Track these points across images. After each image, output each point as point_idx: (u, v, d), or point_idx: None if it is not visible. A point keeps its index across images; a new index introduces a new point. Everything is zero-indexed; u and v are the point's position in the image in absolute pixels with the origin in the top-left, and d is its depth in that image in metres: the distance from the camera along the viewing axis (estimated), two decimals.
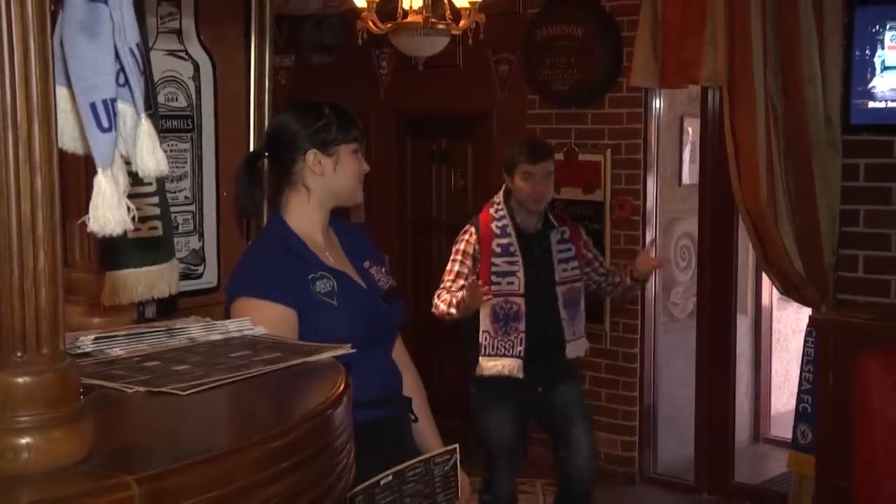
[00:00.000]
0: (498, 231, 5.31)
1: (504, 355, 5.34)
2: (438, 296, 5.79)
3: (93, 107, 1.75)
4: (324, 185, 3.37)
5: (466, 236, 5.70)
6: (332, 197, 3.42)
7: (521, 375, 5.44)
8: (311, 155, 3.36)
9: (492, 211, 5.64)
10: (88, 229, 1.81)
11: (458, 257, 5.61)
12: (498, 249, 5.19)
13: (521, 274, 5.32)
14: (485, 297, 5.28)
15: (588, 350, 6.06)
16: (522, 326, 5.32)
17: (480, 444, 5.83)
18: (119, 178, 1.81)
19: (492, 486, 5.76)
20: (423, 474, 3.45)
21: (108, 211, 1.80)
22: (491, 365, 5.41)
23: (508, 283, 5.24)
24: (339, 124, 3.40)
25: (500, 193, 5.75)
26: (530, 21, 8.05)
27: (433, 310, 5.80)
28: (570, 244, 5.65)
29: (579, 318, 5.76)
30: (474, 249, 5.54)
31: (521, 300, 5.33)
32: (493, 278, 5.13)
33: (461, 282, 5.48)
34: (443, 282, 5.82)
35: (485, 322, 5.42)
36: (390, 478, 3.28)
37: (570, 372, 5.98)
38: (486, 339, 5.47)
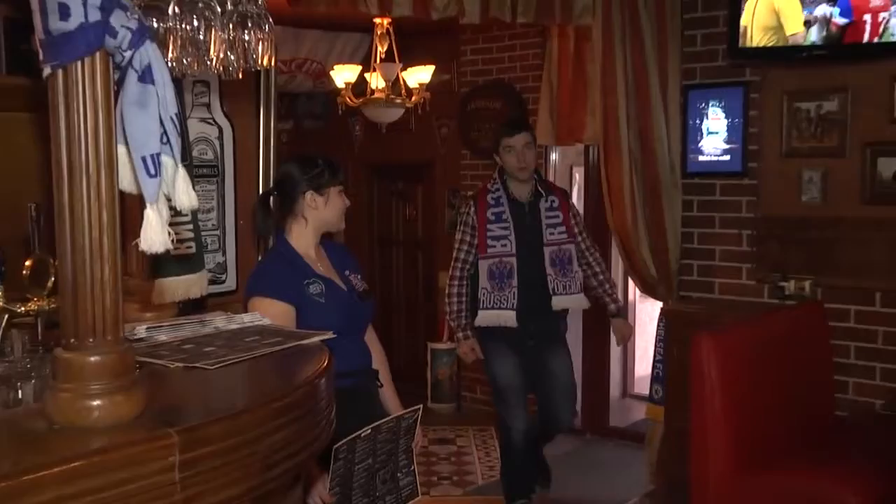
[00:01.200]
0: (492, 202, 4.97)
1: (500, 308, 4.98)
2: (451, 276, 5.34)
3: (143, 159, 1.76)
4: (318, 216, 3.42)
5: (466, 210, 5.34)
6: (323, 224, 3.49)
7: (514, 324, 5.06)
8: (309, 195, 3.42)
9: (489, 186, 5.28)
10: (140, 249, 1.81)
11: (461, 227, 5.26)
12: (492, 217, 4.87)
13: (512, 237, 4.98)
14: (469, 359, 5.44)
15: (584, 307, 5.52)
16: (515, 282, 4.97)
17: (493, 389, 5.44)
18: (163, 211, 1.81)
19: (508, 422, 5.27)
20: (394, 427, 3.42)
21: (155, 235, 1.80)
22: (488, 316, 5.04)
23: (502, 246, 4.93)
24: (330, 171, 3.46)
25: (496, 171, 5.35)
26: (463, 97, 8.05)
27: (447, 288, 5.37)
28: (558, 212, 5.15)
29: (570, 276, 5.21)
30: (472, 220, 5.17)
31: (513, 259, 4.99)
32: (489, 241, 4.85)
33: (465, 247, 5.22)
34: (454, 251, 5.37)
35: (483, 280, 5.08)
36: (369, 431, 3.26)
37: (559, 337, 5.44)
38: (483, 294, 5.07)
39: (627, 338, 5.86)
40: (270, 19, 2.48)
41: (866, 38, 5.20)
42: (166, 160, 1.79)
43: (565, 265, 5.09)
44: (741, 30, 5.42)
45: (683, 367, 4.58)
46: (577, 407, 5.53)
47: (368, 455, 3.25)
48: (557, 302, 5.23)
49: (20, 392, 1.94)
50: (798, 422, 4.96)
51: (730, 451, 4.54)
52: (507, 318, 5.05)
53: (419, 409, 3.47)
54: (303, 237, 3.45)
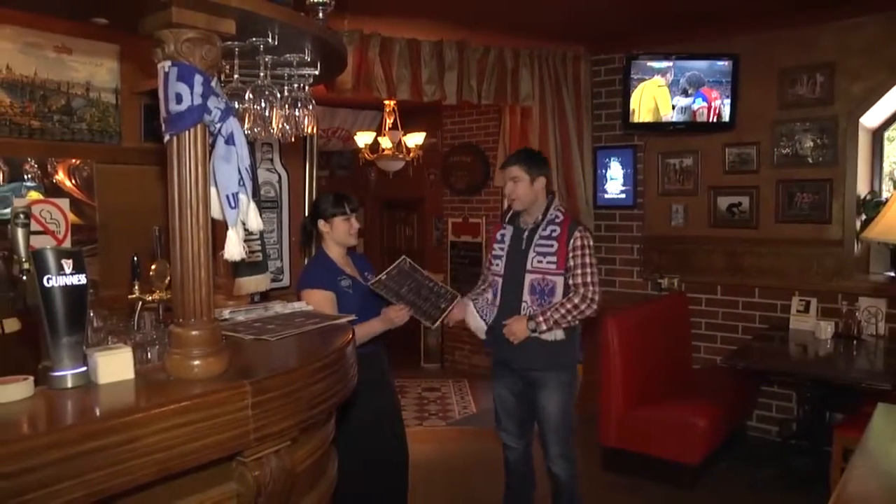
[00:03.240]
0: (505, 225, 3.70)
1: (482, 318, 3.62)
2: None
3: (227, 196, 1.76)
4: (330, 236, 3.34)
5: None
6: (337, 242, 3.37)
7: (482, 336, 3.65)
8: (321, 222, 3.36)
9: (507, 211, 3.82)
10: (224, 257, 1.80)
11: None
12: (499, 238, 3.69)
13: (503, 259, 3.65)
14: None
15: (569, 345, 3.56)
16: (497, 301, 3.60)
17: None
18: (240, 232, 1.80)
19: (505, 441, 3.74)
20: (433, 286, 3.46)
21: (234, 248, 1.80)
22: (470, 317, 3.65)
23: (497, 266, 3.67)
24: (333, 205, 3.34)
25: None
26: (445, 154, 8.01)
27: None
28: (553, 241, 3.53)
29: (546, 306, 3.49)
30: (490, 239, 3.82)
31: (499, 280, 3.65)
32: (492, 260, 3.66)
33: (486, 264, 3.83)
34: None
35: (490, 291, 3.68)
36: (407, 265, 3.44)
37: (547, 368, 3.54)
38: (484, 302, 3.68)
39: (511, 335, 3.50)
40: (314, 101, 2.47)
41: (710, 119, 5.34)
42: (242, 197, 1.78)
43: (545, 296, 3.49)
44: (631, 111, 5.46)
45: (595, 338, 4.58)
46: (570, 452, 3.61)
47: (401, 284, 3.34)
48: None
49: (149, 354, 1.92)
50: (668, 373, 5.00)
51: (625, 394, 4.58)
52: (478, 328, 3.64)
53: (458, 295, 3.55)
54: (331, 249, 3.37)
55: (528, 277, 3.48)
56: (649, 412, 4.57)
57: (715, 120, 5.30)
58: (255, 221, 1.83)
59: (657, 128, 5.51)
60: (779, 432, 5.25)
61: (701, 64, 5.28)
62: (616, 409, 4.59)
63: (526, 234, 3.54)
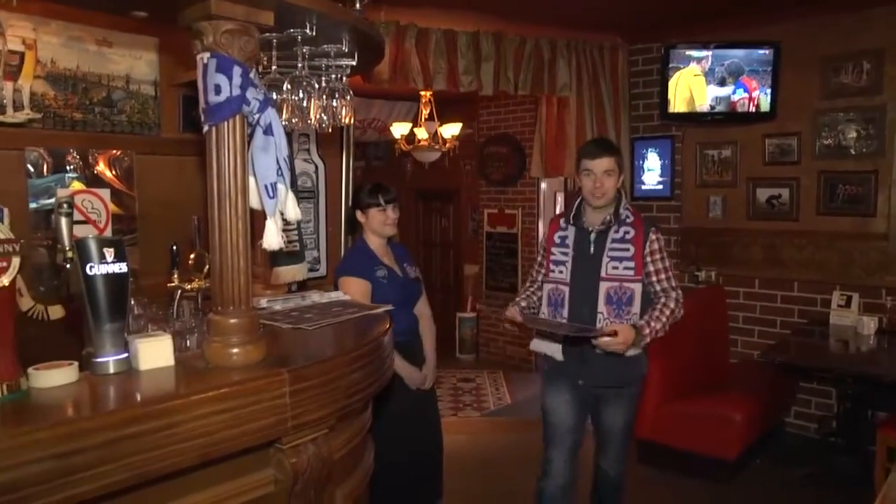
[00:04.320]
0: (563, 224, 3.26)
1: (549, 337, 3.23)
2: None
3: (265, 186, 1.77)
4: (367, 226, 3.36)
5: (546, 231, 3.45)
6: (373, 232, 3.37)
7: (560, 357, 3.19)
8: (358, 212, 3.38)
9: (567, 210, 3.37)
10: (263, 247, 1.82)
11: (539, 249, 3.45)
12: (558, 240, 3.24)
13: (568, 265, 3.19)
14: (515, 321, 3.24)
15: (640, 357, 3.20)
16: (565, 313, 3.15)
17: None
18: (278, 222, 1.82)
19: (543, 463, 3.33)
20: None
21: (272, 237, 1.82)
22: (539, 343, 3.28)
23: (559, 272, 3.21)
24: (369, 196, 3.37)
25: (578, 194, 3.37)
26: (480, 144, 8.01)
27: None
28: (628, 245, 3.13)
29: (626, 318, 3.08)
30: (544, 240, 3.36)
31: (566, 289, 3.17)
32: (551, 266, 3.23)
33: (535, 266, 3.43)
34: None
35: (543, 304, 3.27)
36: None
37: (620, 383, 3.22)
38: (532, 308, 3.33)
39: (609, 346, 3.00)
40: (351, 92, 2.49)
41: (748, 109, 5.26)
42: (280, 187, 1.80)
43: (622, 306, 3.07)
44: (668, 101, 5.41)
45: None
46: (623, 467, 3.37)
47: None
48: (600, 344, 3.05)
49: (188, 342, 1.95)
50: (705, 367, 4.95)
51: (660, 387, 4.55)
52: (553, 350, 3.22)
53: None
54: (370, 239, 3.38)
55: (604, 286, 3.08)
56: (685, 406, 4.54)
57: (754, 110, 5.23)
58: (293, 211, 1.85)
59: (695, 118, 5.45)
60: (818, 429, 5.17)
61: (740, 52, 5.20)
62: (652, 401, 4.56)
63: (594, 236, 3.15)
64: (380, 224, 3.34)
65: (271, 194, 1.78)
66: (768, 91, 5.17)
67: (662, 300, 3.10)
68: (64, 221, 1.85)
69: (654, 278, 3.12)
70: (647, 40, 5.84)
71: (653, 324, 3.03)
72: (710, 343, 5.18)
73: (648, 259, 3.10)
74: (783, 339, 4.89)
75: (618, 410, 3.24)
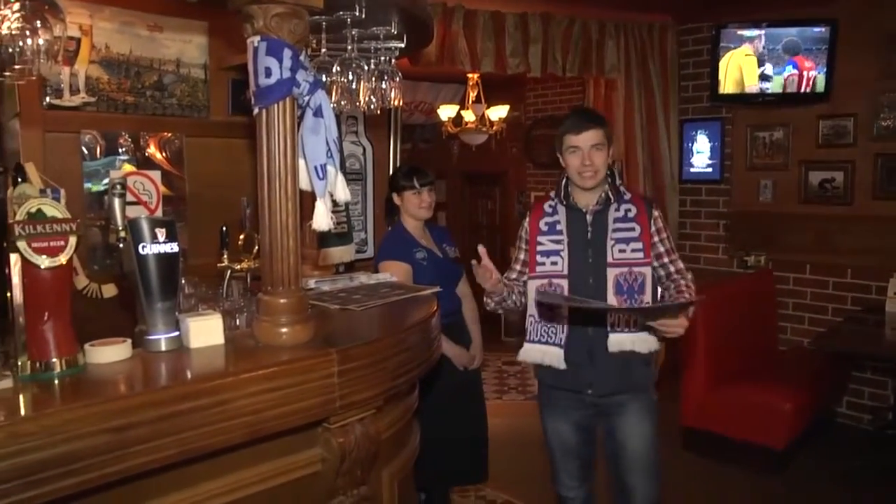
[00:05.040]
0: (549, 210, 2.77)
1: (546, 342, 2.68)
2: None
3: (315, 168, 1.78)
4: (403, 209, 3.36)
5: (523, 221, 2.91)
6: (410, 214, 3.36)
7: (562, 366, 2.65)
8: (394, 195, 3.37)
9: (551, 193, 2.87)
10: (312, 227, 1.84)
11: (517, 242, 2.91)
12: (545, 228, 2.74)
13: (565, 253, 2.69)
14: (489, 278, 2.68)
15: (653, 348, 2.66)
16: (566, 311, 2.67)
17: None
18: (327, 203, 1.83)
19: (555, 487, 2.93)
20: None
21: (322, 218, 1.82)
22: (532, 351, 2.71)
23: (552, 264, 2.69)
24: (404, 177, 3.35)
25: (561, 177, 2.84)
26: (527, 127, 7.97)
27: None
28: (633, 223, 2.67)
29: (637, 305, 2.64)
30: (525, 231, 2.84)
31: (564, 282, 2.67)
32: (538, 258, 2.72)
33: (516, 266, 2.87)
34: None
35: (530, 306, 2.76)
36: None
37: (633, 390, 2.74)
38: (531, 323, 2.74)
39: (671, 330, 2.49)
40: (400, 74, 2.49)
41: (802, 89, 5.15)
42: (330, 168, 1.81)
43: (634, 294, 2.62)
44: (719, 82, 5.33)
45: None
46: (656, 482, 2.78)
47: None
48: (615, 341, 2.62)
49: (238, 321, 1.98)
50: (753, 353, 4.88)
51: (707, 373, 4.50)
52: (553, 356, 2.68)
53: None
54: (407, 221, 3.37)
55: (612, 273, 2.62)
56: (732, 393, 4.49)
57: (808, 90, 5.11)
58: (342, 192, 1.86)
59: (746, 99, 5.35)
60: (871, 421, 5.07)
61: (794, 30, 5.08)
62: (698, 388, 4.52)
63: (590, 217, 2.69)
64: (415, 207, 3.33)
65: (321, 176, 1.79)
66: (823, 70, 5.05)
67: (683, 282, 2.67)
68: (117, 202, 1.88)
69: (665, 260, 2.71)
70: (698, 20, 5.73)
71: (686, 293, 2.63)
72: (758, 329, 5.11)
73: (656, 239, 2.70)
74: (835, 327, 4.79)
75: (631, 423, 2.74)
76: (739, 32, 5.21)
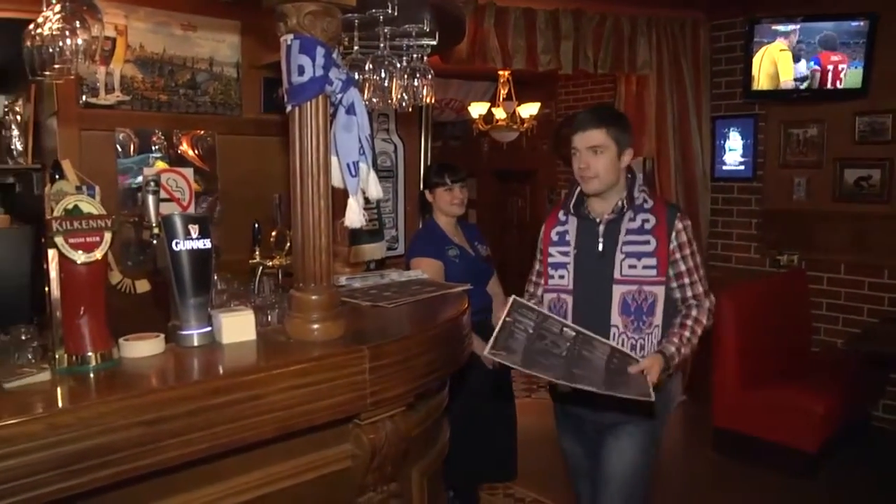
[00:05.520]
0: (562, 218, 2.54)
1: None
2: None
3: (347, 165, 1.79)
4: (435, 206, 3.35)
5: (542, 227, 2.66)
6: (442, 211, 3.35)
7: (566, 389, 2.27)
8: (426, 192, 3.37)
9: (566, 199, 2.61)
10: (344, 224, 1.85)
11: (536, 253, 2.67)
12: (556, 238, 2.53)
13: (571, 266, 2.46)
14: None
15: (667, 386, 2.46)
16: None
17: None
18: (360, 200, 1.83)
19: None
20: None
21: (354, 216, 1.84)
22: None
23: (560, 277, 2.48)
24: (436, 174, 3.35)
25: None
26: (558, 124, 7.93)
27: None
28: (648, 236, 2.40)
29: (647, 332, 2.38)
30: (540, 240, 2.64)
31: (569, 298, 2.46)
32: (549, 270, 2.51)
33: (532, 278, 2.68)
34: None
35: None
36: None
37: (630, 414, 2.39)
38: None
39: (639, 370, 2.22)
40: (432, 71, 2.49)
41: (838, 85, 5.06)
42: (362, 166, 1.82)
43: (643, 315, 2.36)
44: (752, 78, 5.26)
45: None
46: None
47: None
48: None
49: (269, 317, 2.00)
50: (785, 354, 4.82)
51: (738, 374, 4.45)
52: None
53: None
54: (439, 218, 3.36)
55: (618, 290, 2.37)
56: (764, 394, 4.43)
57: (844, 86, 5.02)
58: (374, 189, 1.87)
59: (780, 96, 5.28)
60: None
61: (830, 24, 4.99)
62: (729, 389, 4.47)
63: (602, 227, 2.44)
64: (447, 204, 3.33)
65: (353, 173, 1.80)
66: (861, 65, 4.95)
67: (694, 312, 2.39)
68: (151, 199, 1.91)
69: (685, 280, 2.41)
70: (731, 15, 5.66)
71: (683, 349, 2.33)
72: (791, 330, 5.04)
73: (678, 255, 2.40)
74: (870, 328, 4.71)
75: (620, 445, 2.45)
76: (773, 27, 5.14)
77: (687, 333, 2.36)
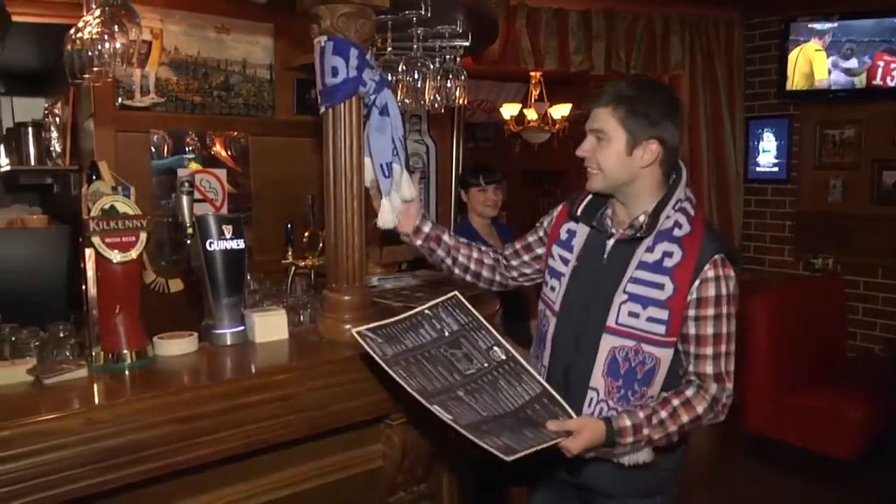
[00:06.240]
0: (579, 213, 1.85)
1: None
2: None
3: (381, 166, 1.80)
4: (469, 206, 3.36)
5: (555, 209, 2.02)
6: (476, 211, 3.36)
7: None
8: (462, 192, 3.40)
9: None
10: (378, 225, 1.85)
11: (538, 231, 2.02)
12: (564, 236, 1.86)
13: (564, 281, 1.79)
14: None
15: (642, 460, 1.69)
16: (546, 359, 1.82)
17: None
18: (394, 201, 1.84)
19: None
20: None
21: (387, 216, 1.87)
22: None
23: (551, 289, 1.84)
24: (470, 176, 3.38)
25: None
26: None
27: None
28: (666, 277, 1.64)
29: (635, 401, 1.67)
30: (548, 223, 1.99)
31: (552, 323, 1.81)
32: (546, 274, 1.89)
33: (516, 244, 2.06)
34: None
35: (534, 340, 1.96)
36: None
37: (617, 491, 1.79)
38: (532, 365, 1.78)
39: (561, 430, 1.54)
40: (465, 72, 2.49)
41: (876, 85, 4.97)
42: (395, 166, 1.83)
43: (634, 383, 1.68)
44: (787, 78, 5.21)
45: (739, 318, 4.41)
46: None
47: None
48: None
49: (301, 317, 2.01)
50: (819, 360, 4.75)
51: (771, 379, 4.40)
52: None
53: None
54: (474, 220, 3.38)
55: (608, 342, 1.70)
56: (798, 399, 4.36)
57: (884, 85, 4.94)
58: (408, 190, 1.87)
59: (816, 96, 5.20)
60: None
61: (869, 22, 4.91)
62: (761, 394, 4.41)
63: (611, 245, 1.78)
64: (480, 204, 3.34)
65: (387, 174, 1.81)
66: None
67: (688, 393, 1.70)
68: (185, 199, 1.93)
69: (690, 349, 1.71)
70: (765, 14, 5.59)
71: (647, 432, 1.65)
72: (827, 335, 4.96)
73: (691, 313, 1.69)
74: None
75: None
76: (810, 26, 5.07)
77: (663, 414, 1.66)
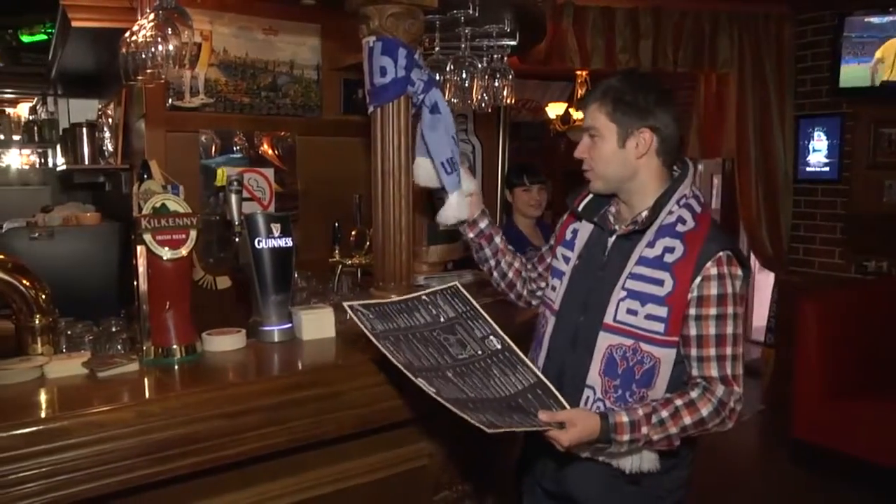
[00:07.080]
0: (582, 211, 1.82)
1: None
2: None
3: (442, 163, 1.80)
4: (514, 206, 3.37)
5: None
6: (521, 211, 3.36)
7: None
8: (507, 192, 3.41)
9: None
10: (439, 222, 1.84)
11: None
12: (569, 235, 1.83)
13: (564, 280, 1.76)
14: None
15: (648, 467, 1.61)
16: (542, 359, 1.76)
17: None
18: (461, 197, 1.87)
19: None
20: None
21: (451, 212, 1.86)
22: None
23: (552, 289, 1.80)
24: (514, 175, 3.38)
25: None
26: None
27: None
28: (666, 273, 1.58)
29: (635, 403, 1.58)
30: (557, 228, 1.92)
31: (551, 321, 1.77)
32: (551, 271, 1.85)
33: (539, 266, 1.98)
34: None
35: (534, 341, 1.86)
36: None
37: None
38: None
39: (553, 420, 1.47)
40: (512, 72, 2.49)
41: None
42: (456, 162, 1.83)
43: (632, 384, 1.61)
44: (839, 75, 5.08)
45: (790, 321, 4.33)
46: None
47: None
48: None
49: (349, 315, 2.02)
50: (872, 365, 4.63)
51: (821, 384, 4.32)
52: None
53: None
54: (519, 220, 3.38)
55: (605, 340, 1.65)
56: (848, 406, 4.27)
57: None
58: (467, 183, 1.86)
59: (871, 93, 5.07)
60: None
61: None
62: (810, 399, 4.32)
63: (612, 242, 1.74)
64: (525, 204, 3.34)
65: (449, 170, 1.80)
66: None
67: (693, 394, 1.60)
68: (234, 198, 1.96)
69: (691, 351, 1.62)
70: (818, 8, 5.47)
71: (646, 431, 1.55)
72: (880, 340, 4.83)
73: (692, 312, 1.60)
74: None
75: None
76: (866, 20, 4.94)
77: (664, 413, 1.56)
